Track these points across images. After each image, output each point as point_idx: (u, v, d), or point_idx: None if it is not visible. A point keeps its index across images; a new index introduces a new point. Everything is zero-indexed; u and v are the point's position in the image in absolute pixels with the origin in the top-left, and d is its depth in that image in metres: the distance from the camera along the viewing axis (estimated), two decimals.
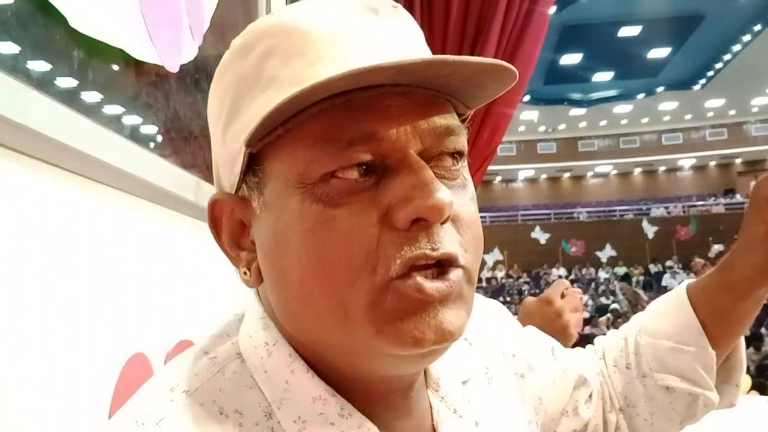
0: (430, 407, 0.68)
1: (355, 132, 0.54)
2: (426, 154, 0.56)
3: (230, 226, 0.63)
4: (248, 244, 0.62)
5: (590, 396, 0.93)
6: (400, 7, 0.63)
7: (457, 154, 0.59)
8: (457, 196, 0.57)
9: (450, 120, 0.58)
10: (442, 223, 0.54)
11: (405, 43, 0.60)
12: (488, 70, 0.55)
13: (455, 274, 0.55)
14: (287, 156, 0.56)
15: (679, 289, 0.94)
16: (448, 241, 0.55)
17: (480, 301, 0.86)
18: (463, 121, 0.63)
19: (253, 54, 0.59)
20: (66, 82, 0.95)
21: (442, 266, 0.55)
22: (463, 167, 0.60)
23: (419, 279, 0.53)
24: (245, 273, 0.62)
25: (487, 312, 0.86)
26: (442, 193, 0.53)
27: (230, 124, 0.60)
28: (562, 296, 1.48)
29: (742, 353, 0.95)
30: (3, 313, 0.80)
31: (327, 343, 0.58)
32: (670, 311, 0.92)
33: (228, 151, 0.61)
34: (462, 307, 0.57)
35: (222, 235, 0.63)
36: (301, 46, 0.57)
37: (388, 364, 0.57)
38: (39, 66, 0.89)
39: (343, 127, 0.54)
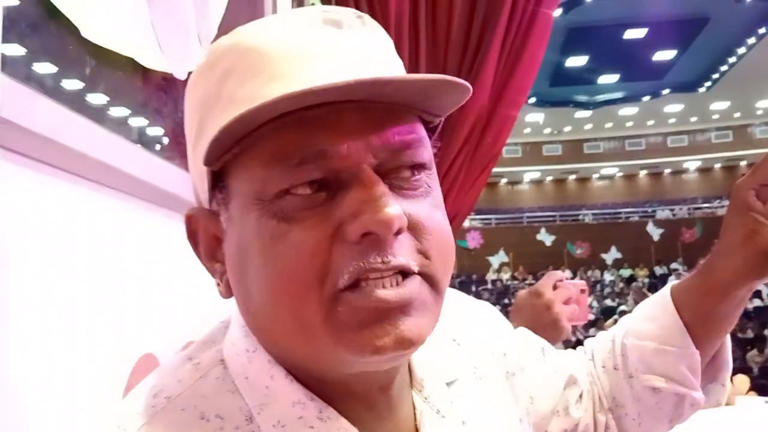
0: (414, 408, 0.68)
1: (305, 150, 0.55)
2: (382, 168, 0.57)
3: (205, 239, 0.64)
4: (221, 256, 0.63)
5: (580, 396, 0.94)
6: (366, 17, 0.63)
7: (416, 167, 0.59)
8: (416, 204, 0.58)
9: (405, 135, 0.58)
10: (396, 235, 0.55)
11: (366, 56, 0.60)
12: (434, 85, 0.56)
13: (412, 282, 0.56)
14: (245, 174, 0.57)
15: (663, 291, 0.95)
16: (401, 252, 0.55)
17: (470, 302, 0.88)
18: (433, 129, 0.64)
19: (215, 74, 0.60)
20: (76, 86, 0.97)
21: (398, 275, 0.55)
22: (427, 176, 0.61)
23: (372, 288, 0.54)
24: (218, 284, 0.64)
25: (478, 313, 0.87)
26: (392, 208, 0.53)
27: (198, 141, 0.62)
28: (555, 288, 1.43)
29: (728, 353, 0.96)
30: (16, 315, 0.82)
31: (293, 354, 0.60)
32: (654, 313, 0.94)
33: (197, 167, 0.62)
34: (424, 314, 0.57)
35: (200, 248, 0.65)
36: (257, 66, 0.57)
37: (353, 366, 0.58)
38: (50, 72, 0.91)
39: (293, 145, 0.55)
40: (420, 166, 0.60)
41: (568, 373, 0.94)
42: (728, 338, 0.95)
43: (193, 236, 0.66)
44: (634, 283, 17.79)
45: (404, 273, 0.56)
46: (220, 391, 0.61)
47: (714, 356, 0.95)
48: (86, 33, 0.93)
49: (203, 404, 0.60)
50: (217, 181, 0.60)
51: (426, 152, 0.61)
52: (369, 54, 0.60)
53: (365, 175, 0.55)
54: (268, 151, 0.55)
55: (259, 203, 0.56)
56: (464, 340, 0.80)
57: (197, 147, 0.62)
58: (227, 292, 0.63)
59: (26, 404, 0.82)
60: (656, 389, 0.92)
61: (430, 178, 0.61)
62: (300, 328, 0.56)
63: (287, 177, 0.55)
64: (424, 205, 0.59)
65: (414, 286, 0.56)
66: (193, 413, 0.59)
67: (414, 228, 0.57)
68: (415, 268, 0.56)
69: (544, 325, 1.32)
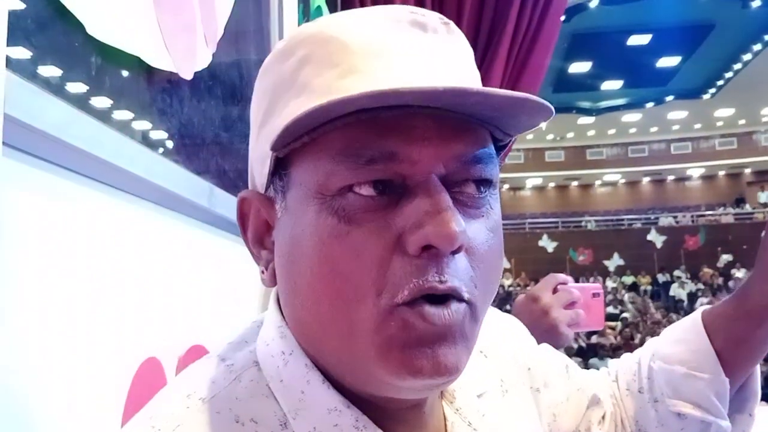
0: (444, 419, 0.68)
1: (376, 150, 0.54)
2: (449, 180, 0.56)
3: (255, 224, 0.64)
4: (270, 244, 0.63)
5: (603, 417, 0.92)
6: (451, 24, 0.62)
7: (483, 183, 0.58)
8: (474, 226, 0.57)
9: (478, 148, 0.57)
10: (454, 253, 0.54)
11: (447, 63, 0.59)
12: (518, 103, 0.54)
13: (456, 307, 0.54)
14: (310, 165, 0.56)
15: (694, 315, 0.93)
16: (457, 273, 0.54)
17: (497, 315, 0.87)
18: (502, 147, 0.63)
19: (292, 59, 0.60)
20: (82, 88, 0.96)
21: (446, 297, 0.54)
22: (490, 195, 0.59)
23: (424, 306, 0.53)
24: (263, 272, 0.63)
25: (504, 326, 0.86)
26: (455, 222, 0.52)
27: (264, 125, 0.61)
28: (555, 291, 1.36)
29: (757, 383, 0.94)
30: (18, 316, 0.81)
31: (329, 356, 0.59)
32: (684, 337, 0.91)
33: (260, 150, 0.62)
34: (462, 344, 0.56)
35: (248, 232, 0.65)
36: (336, 57, 0.57)
37: (383, 390, 0.58)
38: (55, 72, 0.90)
39: (364, 143, 0.54)
40: (487, 183, 0.59)
41: (591, 392, 0.92)
42: (758, 368, 0.93)
43: (242, 219, 0.65)
44: (629, 292, 17.71)
45: (449, 297, 0.55)
46: (255, 394, 0.60)
47: (742, 385, 0.92)
48: (91, 30, 0.93)
49: (237, 407, 0.59)
50: (279, 167, 0.60)
51: (495, 170, 0.59)
52: (452, 61, 0.59)
53: (432, 185, 0.54)
54: (337, 145, 0.55)
55: (320, 197, 0.55)
56: (491, 353, 0.79)
57: (263, 130, 0.61)
58: (271, 281, 0.63)
59: (26, 409, 0.81)
60: (682, 415, 0.89)
61: (493, 198, 0.60)
62: (347, 331, 0.55)
63: (353, 174, 0.54)
64: (483, 227, 0.58)
65: (459, 313, 0.55)
66: (227, 416, 0.58)
67: (470, 252, 0.56)
68: (466, 296, 0.55)
69: (542, 331, 1.25)
